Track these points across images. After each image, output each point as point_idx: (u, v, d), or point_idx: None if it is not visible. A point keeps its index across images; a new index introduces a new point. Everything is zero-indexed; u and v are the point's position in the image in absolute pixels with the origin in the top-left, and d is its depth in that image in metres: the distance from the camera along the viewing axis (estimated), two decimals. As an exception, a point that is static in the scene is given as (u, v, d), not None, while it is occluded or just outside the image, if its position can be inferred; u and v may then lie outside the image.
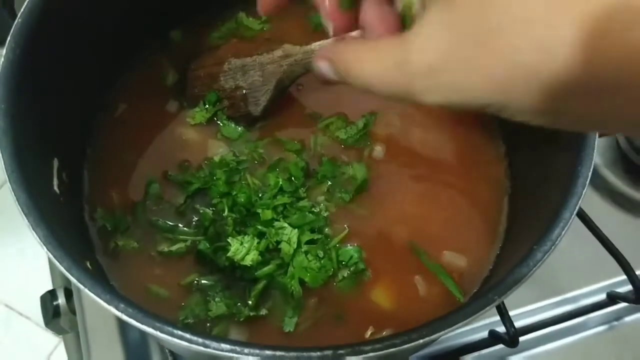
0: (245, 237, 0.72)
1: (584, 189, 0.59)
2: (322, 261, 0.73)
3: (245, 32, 0.91)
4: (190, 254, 0.74)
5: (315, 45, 0.77)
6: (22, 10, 0.64)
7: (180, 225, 0.76)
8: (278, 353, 0.50)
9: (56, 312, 0.96)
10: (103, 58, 0.78)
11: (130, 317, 0.50)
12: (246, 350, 0.50)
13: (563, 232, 0.56)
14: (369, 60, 0.45)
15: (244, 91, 0.81)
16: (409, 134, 0.83)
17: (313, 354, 0.50)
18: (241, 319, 0.70)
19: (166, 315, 0.68)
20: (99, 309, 0.81)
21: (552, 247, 0.56)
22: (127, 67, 0.85)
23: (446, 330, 0.51)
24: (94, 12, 0.73)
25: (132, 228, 0.76)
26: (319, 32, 0.78)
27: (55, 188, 0.67)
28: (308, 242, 0.74)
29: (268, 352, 0.50)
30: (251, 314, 0.70)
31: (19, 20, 0.63)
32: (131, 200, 0.78)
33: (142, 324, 0.50)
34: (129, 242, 0.75)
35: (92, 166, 0.79)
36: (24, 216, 0.54)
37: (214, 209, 0.76)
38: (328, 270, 0.72)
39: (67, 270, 0.52)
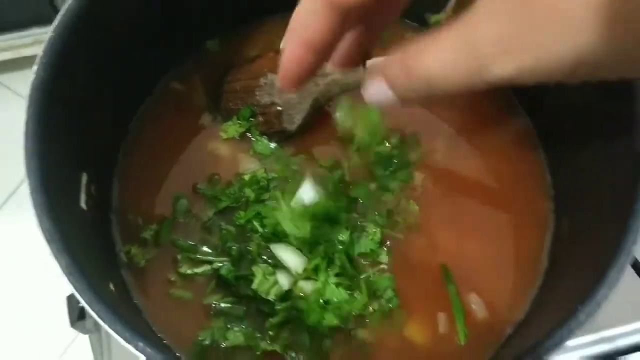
0: (269, 267, 0.71)
1: (634, 245, 0.55)
2: (351, 294, 0.71)
3: None
4: (214, 276, 0.73)
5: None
6: (54, 24, 0.62)
7: (203, 247, 0.75)
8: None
9: (81, 314, 0.96)
10: (137, 69, 0.76)
11: (148, 357, 0.48)
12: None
13: (610, 293, 0.53)
14: (434, 50, 0.44)
15: (279, 108, 0.79)
16: (451, 161, 0.80)
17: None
18: (257, 353, 0.68)
19: (188, 332, 0.69)
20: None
21: (597, 309, 0.52)
22: (162, 76, 0.83)
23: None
24: (130, 24, 0.71)
25: (156, 244, 0.75)
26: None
27: (83, 204, 0.66)
28: (338, 275, 0.71)
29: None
30: (269, 348, 0.69)
31: (52, 34, 0.62)
32: (159, 212, 0.76)
33: (161, 366, 0.48)
34: (151, 258, 0.74)
35: (123, 176, 0.78)
36: (47, 243, 0.53)
37: (239, 228, 0.74)
38: (358, 304, 0.70)
39: (88, 305, 0.51)
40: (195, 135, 0.81)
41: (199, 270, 0.73)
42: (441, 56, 0.43)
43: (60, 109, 0.62)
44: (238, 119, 0.81)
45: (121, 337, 0.49)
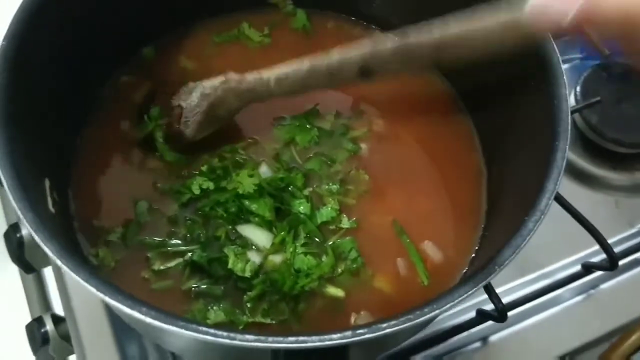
0: (238, 248, 0.75)
1: (563, 161, 0.63)
2: (319, 258, 0.76)
3: (245, 42, 0.94)
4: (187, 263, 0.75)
5: (251, 77, 0.78)
6: (4, 34, 0.65)
7: (172, 240, 0.77)
8: (301, 338, 0.52)
9: (45, 339, 0.94)
10: (81, 78, 0.79)
11: (154, 319, 0.51)
12: (270, 339, 0.51)
13: (550, 202, 0.61)
14: None
15: (182, 110, 0.81)
16: (390, 133, 0.88)
17: (334, 335, 0.52)
18: (240, 327, 0.71)
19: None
20: (96, 331, 0.83)
21: (542, 217, 0.60)
22: (108, 83, 0.87)
23: (455, 301, 0.55)
24: (70, 36, 0.75)
25: (125, 245, 0.76)
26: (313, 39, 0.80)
27: (51, 207, 0.67)
28: (304, 244, 0.76)
29: (291, 339, 0.52)
30: (250, 320, 0.72)
31: (4, 43, 0.64)
32: (123, 215, 0.78)
33: (167, 324, 0.51)
34: (121, 259, 0.75)
35: (78, 186, 0.79)
36: (33, 233, 0.55)
37: (204, 217, 0.78)
38: (326, 267, 0.75)
39: (85, 281, 0.52)
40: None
41: (171, 264, 0.75)
42: None
43: (18, 114, 0.64)
44: (148, 118, 0.84)
45: (125, 305, 0.52)
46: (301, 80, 0.75)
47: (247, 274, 0.73)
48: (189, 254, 0.75)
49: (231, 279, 0.74)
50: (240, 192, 0.76)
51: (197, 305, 0.73)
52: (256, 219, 0.77)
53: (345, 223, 0.79)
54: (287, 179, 0.78)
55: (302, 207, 0.78)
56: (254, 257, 0.75)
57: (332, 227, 0.79)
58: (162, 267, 0.75)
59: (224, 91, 0.78)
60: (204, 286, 0.74)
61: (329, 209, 0.79)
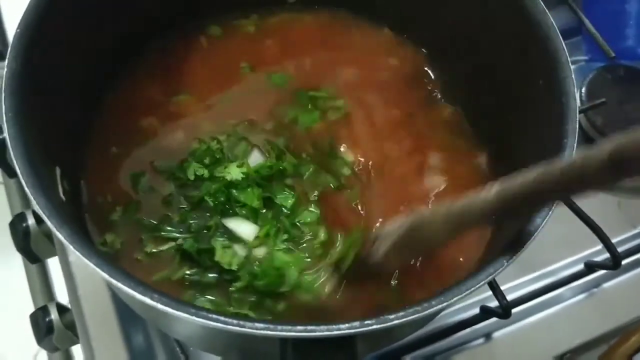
0: (225, 240, 0.75)
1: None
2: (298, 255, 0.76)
3: None
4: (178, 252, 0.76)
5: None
6: (20, 21, 0.65)
7: (166, 225, 0.77)
8: (309, 327, 0.52)
9: (49, 328, 0.95)
10: (96, 66, 0.80)
11: (165, 305, 0.52)
12: (279, 328, 0.52)
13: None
14: None
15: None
16: (391, 132, 0.88)
17: (342, 325, 0.53)
18: None
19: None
20: (102, 320, 0.83)
21: (549, 213, 0.60)
22: (122, 72, 0.87)
23: (463, 294, 0.55)
24: (85, 24, 0.75)
25: (126, 224, 0.77)
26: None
27: (62, 195, 0.68)
28: (285, 240, 0.76)
29: (299, 328, 0.52)
30: (235, 312, 0.72)
31: (18, 30, 0.65)
32: (124, 199, 0.79)
33: (180, 311, 0.51)
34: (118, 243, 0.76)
35: (89, 174, 0.80)
36: (46, 219, 0.55)
37: (195, 205, 0.78)
38: (300, 262, 0.75)
39: (97, 267, 0.53)
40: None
41: (163, 247, 0.76)
42: None
43: (31, 101, 0.64)
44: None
45: (137, 291, 0.52)
46: (530, 189, 0.56)
47: (234, 267, 0.73)
48: (181, 240, 0.76)
49: (218, 270, 0.74)
50: (229, 179, 0.77)
51: (186, 296, 0.73)
52: (243, 211, 0.77)
53: (322, 234, 0.78)
54: (277, 166, 0.79)
55: (288, 201, 0.78)
56: (240, 251, 0.75)
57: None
58: (154, 250, 0.75)
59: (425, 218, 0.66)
60: (196, 276, 0.74)
61: (309, 211, 0.79)
